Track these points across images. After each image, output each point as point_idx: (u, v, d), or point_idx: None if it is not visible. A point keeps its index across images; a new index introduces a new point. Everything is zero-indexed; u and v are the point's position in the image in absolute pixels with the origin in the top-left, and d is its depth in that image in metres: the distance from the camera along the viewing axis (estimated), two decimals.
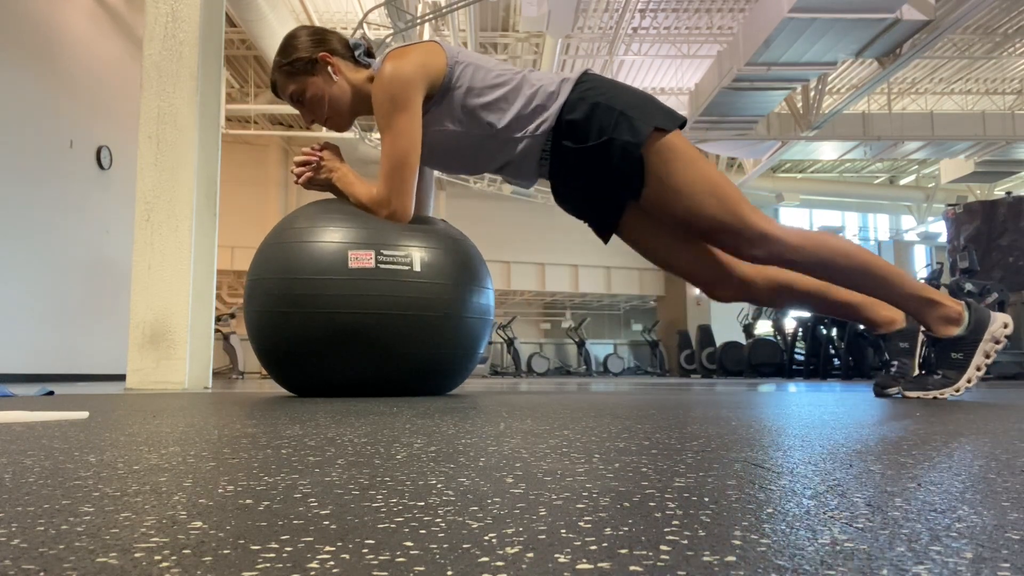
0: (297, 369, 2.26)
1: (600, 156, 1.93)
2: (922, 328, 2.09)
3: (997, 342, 2.03)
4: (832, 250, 1.92)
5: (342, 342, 2.14)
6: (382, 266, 2.14)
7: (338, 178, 2.24)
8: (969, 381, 2.02)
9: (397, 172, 2.10)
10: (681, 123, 1.94)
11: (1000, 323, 2.04)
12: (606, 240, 2.18)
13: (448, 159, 2.19)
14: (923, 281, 7.96)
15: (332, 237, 2.19)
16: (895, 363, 2.18)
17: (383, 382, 2.24)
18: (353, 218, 2.23)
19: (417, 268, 2.18)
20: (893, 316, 2.16)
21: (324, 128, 2.27)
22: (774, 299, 2.15)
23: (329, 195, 2.32)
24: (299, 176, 2.24)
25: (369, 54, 2.26)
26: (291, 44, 2.19)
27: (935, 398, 2.05)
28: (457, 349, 2.29)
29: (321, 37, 2.20)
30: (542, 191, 15.61)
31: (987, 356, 2.03)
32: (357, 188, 2.23)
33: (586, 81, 1.98)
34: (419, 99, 2.04)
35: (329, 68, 2.17)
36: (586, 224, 2.22)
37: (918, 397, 2.07)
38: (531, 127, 1.99)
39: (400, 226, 2.19)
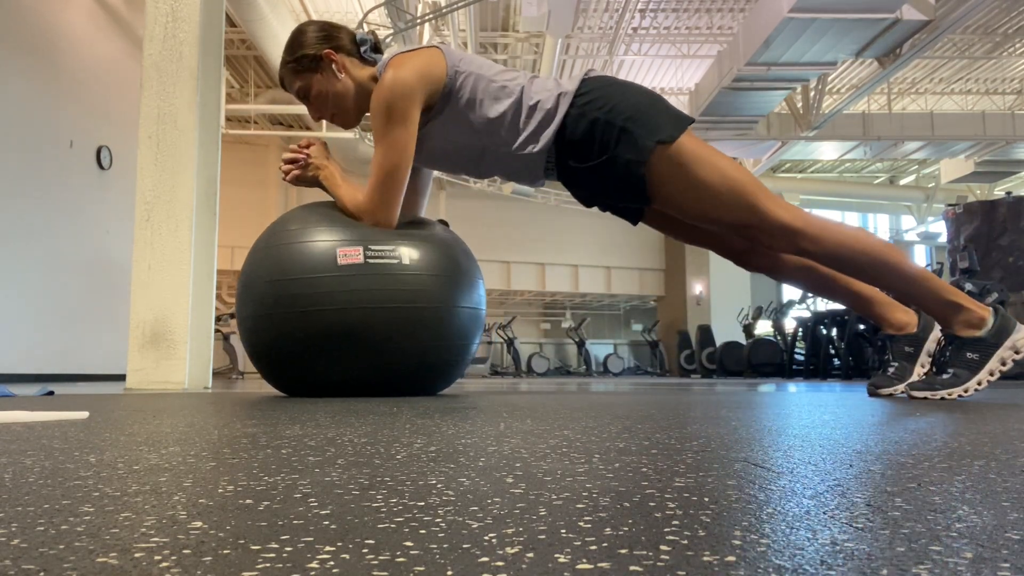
0: (290, 371, 2.26)
1: (605, 171, 1.89)
2: (941, 328, 2.04)
3: (1017, 352, 1.96)
4: (855, 247, 1.86)
5: (333, 340, 2.14)
6: (371, 261, 2.14)
7: (325, 176, 2.23)
8: (979, 383, 1.96)
9: (386, 184, 2.08)
10: (689, 123, 1.90)
11: (1023, 335, 1.96)
12: (635, 223, 2.18)
13: (451, 164, 2.17)
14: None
15: (321, 237, 2.18)
16: (894, 365, 2.17)
17: (376, 381, 2.24)
18: (342, 221, 2.23)
19: (406, 262, 2.17)
20: (907, 320, 2.13)
21: (324, 128, 2.28)
22: (797, 275, 2.12)
23: (322, 194, 2.32)
24: (286, 173, 2.24)
25: (376, 49, 2.23)
26: (297, 40, 2.16)
27: (943, 398, 1.98)
28: (449, 344, 2.28)
29: (328, 33, 2.16)
30: (542, 191, 15.60)
31: (1003, 363, 1.96)
32: (342, 191, 2.21)
33: (585, 93, 1.91)
34: (416, 111, 2.01)
35: (333, 66, 2.13)
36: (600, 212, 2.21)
37: (925, 397, 2.00)
38: (531, 146, 1.95)
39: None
